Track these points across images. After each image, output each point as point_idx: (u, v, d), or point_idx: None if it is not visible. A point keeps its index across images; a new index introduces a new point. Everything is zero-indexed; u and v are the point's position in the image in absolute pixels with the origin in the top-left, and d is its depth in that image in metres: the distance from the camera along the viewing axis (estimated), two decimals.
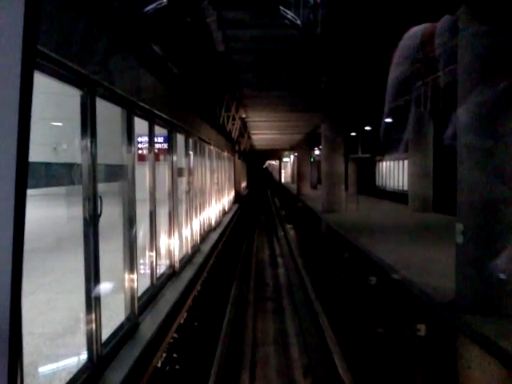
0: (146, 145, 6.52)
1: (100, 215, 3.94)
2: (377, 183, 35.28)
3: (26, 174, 1.03)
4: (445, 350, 6.78)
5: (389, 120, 20.87)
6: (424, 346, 7.50)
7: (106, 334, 4.18)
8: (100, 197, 3.93)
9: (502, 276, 5.99)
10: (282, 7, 7.86)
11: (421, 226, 15.64)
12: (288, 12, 7.98)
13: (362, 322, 9.97)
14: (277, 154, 66.35)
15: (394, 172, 30.99)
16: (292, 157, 61.34)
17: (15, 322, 1.06)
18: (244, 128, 29.52)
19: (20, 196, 1.01)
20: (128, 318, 4.88)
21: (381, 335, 8.82)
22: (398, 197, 26.33)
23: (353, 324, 10.19)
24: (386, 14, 8.68)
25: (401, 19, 8.98)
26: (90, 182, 3.83)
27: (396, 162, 30.18)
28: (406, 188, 24.06)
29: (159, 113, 6.69)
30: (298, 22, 8.29)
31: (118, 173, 5.00)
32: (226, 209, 20.37)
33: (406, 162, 24.80)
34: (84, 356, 3.78)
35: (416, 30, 11.42)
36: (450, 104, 7.89)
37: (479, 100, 6.32)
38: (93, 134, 3.86)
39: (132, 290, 5.02)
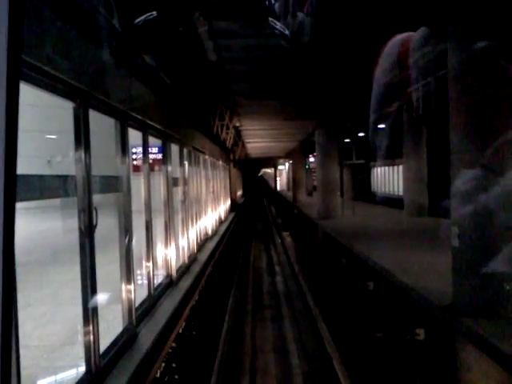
0: (141, 155, 6.54)
1: (96, 227, 3.94)
2: (372, 189, 35.35)
3: (14, 186, 1.02)
4: (444, 353, 6.78)
5: (381, 126, 21.01)
6: (423, 349, 7.49)
7: (104, 346, 4.16)
8: (95, 208, 3.93)
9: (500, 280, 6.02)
10: (270, 18, 7.95)
11: (417, 231, 15.66)
12: (277, 23, 8.06)
13: (361, 327, 9.96)
14: (272, 161, 66.42)
15: (389, 177, 31.07)
16: (287, 164, 61.43)
17: (8, 334, 1.05)
18: (238, 137, 29.58)
19: (9, 208, 1.01)
20: (126, 329, 4.86)
21: (380, 340, 8.80)
22: (393, 202, 26.38)
23: (352, 329, 10.18)
24: (371, 22, 8.80)
25: (386, 28, 9.10)
26: (84, 193, 3.83)
27: (390, 168, 30.28)
28: (401, 193, 24.12)
29: (153, 123, 6.71)
30: (287, 32, 8.37)
31: (113, 184, 5.00)
32: (223, 217, 20.36)
33: (400, 167, 24.89)
34: (82, 368, 3.76)
35: (404, 37, 11.53)
36: (442, 109, 7.97)
37: (470, 104, 6.39)
38: (86, 146, 3.87)
39: (129, 300, 5.01)
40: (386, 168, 31.22)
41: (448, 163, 6.79)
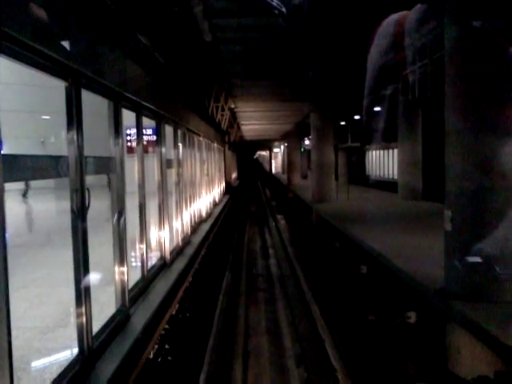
0: (135, 137, 6.49)
1: (88, 208, 3.91)
2: (367, 172, 35.39)
3: None
4: (435, 336, 6.86)
5: (376, 109, 20.94)
6: (415, 332, 7.58)
7: (97, 327, 4.16)
8: (88, 189, 3.90)
9: (485, 264, 6.07)
10: None
11: (410, 214, 15.73)
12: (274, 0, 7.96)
13: (353, 310, 10.05)
14: (267, 144, 66.27)
15: (384, 161, 31.09)
16: (282, 147, 61.31)
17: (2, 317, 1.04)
18: (233, 119, 29.44)
19: None
20: (119, 310, 4.86)
21: (372, 323, 8.89)
22: (388, 185, 26.44)
23: (345, 312, 10.27)
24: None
25: (381, 6, 9.03)
26: (77, 174, 3.80)
27: (385, 151, 30.28)
28: (395, 177, 24.16)
29: (147, 104, 6.64)
30: (283, 10, 8.28)
31: (107, 165, 4.95)
32: (217, 200, 20.35)
33: (395, 150, 24.89)
34: (75, 349, 3.77)
35: (399, 16, 11.39)
36: (438, 91, 7.93)
37: (467, 83, 6.34)
38: (79, 126, 3.83)
39: (123, 282, 5.01)
40: (381, 151, 31.22)
41: (443, 147, 6.78)
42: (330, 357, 8.38)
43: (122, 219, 5.08)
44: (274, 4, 8.38)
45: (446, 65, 6.74)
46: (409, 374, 6.94)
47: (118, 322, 4.71)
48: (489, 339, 5.31)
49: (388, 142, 26.25)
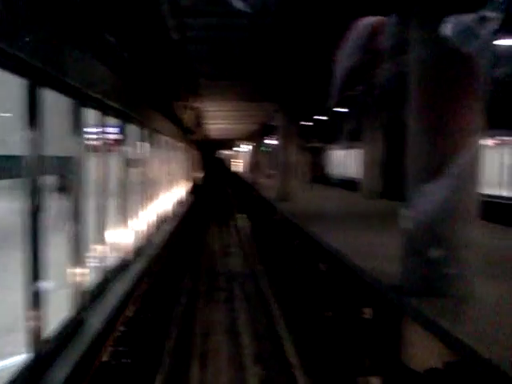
0: (98, 136, 6.46)
1: (45, 209, 3.87)
2: (330, 172, 35.89)
3: None
4: (391, 331, 7.09)
5: (340, 110, 21.29)
6: (372, 328, 7.80)
7: (50, 331, 4.06)
8: (44, 190, 3.86)
9: (438, 262, 6.34)
10: None
11: (371, 213, 16.07)
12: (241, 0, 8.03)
13: (313, 307, 10.23)
14: (233, 144, 66.23)
15: (346, 160, 31.60)
16: (248, 147, 61.41)
17: None
18: (199, 118, 29.36)
19: None
20: (73, 314, 4.78)
21: (330, 319, 9.08)
22: (350, 184, 26.91)
23: (304, 310, 10.45)
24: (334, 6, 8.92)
25: (351, 11, 9.22)
26: (33, 174, 3.73)
27: (348, 151, 30.77)
28: (358, 176, 24.61)
29: (111, 103, 6.63)
30: (250, 10, 8.36)
31: (66, 165, 4.89)
32: (181, 199, 20.32)
33: (357, 150, 25.35)
34: (25, 355, 3.67)
35: (367, 21, 11.66)
36: (401, 94, 8.16)
37: (429, 88, 6.59)
38: (38, 125, 3.78)
39: (78, 284, 4.93)
40: (344, 151, 31.73)
41: (405, 148, 7.01)
42: (289, 354, 8.52)
43: (80, 219, 5.03)
44: (242, 4, 8.45)
45: (410, 68, 7.01)
46: (364, 368, 7.16)
47: (72, 326, 4.62)
48: (440, 332, 5.57)
49: (351, 142, 26.70)
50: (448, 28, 6.19)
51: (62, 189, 5.07)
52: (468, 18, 6.13)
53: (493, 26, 6.26)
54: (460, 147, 6.43)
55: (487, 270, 7.30)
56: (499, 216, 12.48)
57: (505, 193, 16.12)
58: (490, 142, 16.30)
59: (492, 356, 4.61)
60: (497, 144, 16.47)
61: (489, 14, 6.16)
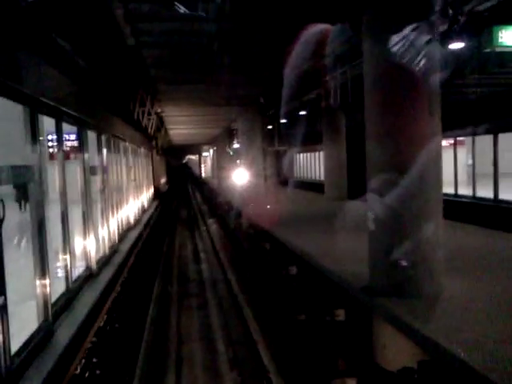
0: (57, 143, 6.24)
1: (3, 220, 3.70)
2: (295, 174, 36.05)
3: None
4: (363, 332, 7.08)
5: (301, 113, 21.40)
6: (344, 329, 7.79)
7: (16, 345, 3.94)
8: (2, 200, 3.70)
9: (404, 263, 6.38)
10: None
11: (336, 214, 16.11)
12: (196, 5, 7.94)
13: (285, 311, 10.18)
14: (196, 148, 65.90)
15: (310, 163, 31.79)
16: (211, 151, 61.15)
17: None
18: (161, 123, 29.02)
19: None
20: (41, 326, 4.64)
21: (303, 322, 9.04)
22: (314, 186, 27.07)
23: (276, 313, 10.39)
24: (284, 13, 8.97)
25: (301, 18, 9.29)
26: None
27: (311, 154, 30.98)
28: (322, 178, 24.77)
29: (67, 109, 6.41)
30: (206, 14, 8.28)
31: (25, 174, 4.71)
32: (146, 206, 19.97)
33: (321, 153, 25.51)
34: None
35: (321, 27, 11.75)
36: (358, 97, 8.23)
37: (383, 94, 6.64)
38: None
39: (45, 295, 4.79)
40: (307, 154, 31.93)
41: (365, 149, 7.04)
42: (263, 358, 8.45)
43: (43, 230, 4.86)
44: (199, 9, 8.34)
45: (364, 74, 7.07)
46: (339, 370, 7.13)
47: (41, 338, 4.50)
48: (411, 332, 5.56)
49: (312, 145, 26.86)
50: (393, 40, 6.26)
51: (21, 199, 4.86)
52: (409, 29, 6.23)
53: (434, 34, 6.39)
54: (419, 149, 6.48)
55: (453, 268, 7.39)
56: (456, 213, 12.73)
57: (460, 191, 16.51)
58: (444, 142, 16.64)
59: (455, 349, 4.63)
60: (451, 144, 16.86)
61: (431, 23, 6.29)
